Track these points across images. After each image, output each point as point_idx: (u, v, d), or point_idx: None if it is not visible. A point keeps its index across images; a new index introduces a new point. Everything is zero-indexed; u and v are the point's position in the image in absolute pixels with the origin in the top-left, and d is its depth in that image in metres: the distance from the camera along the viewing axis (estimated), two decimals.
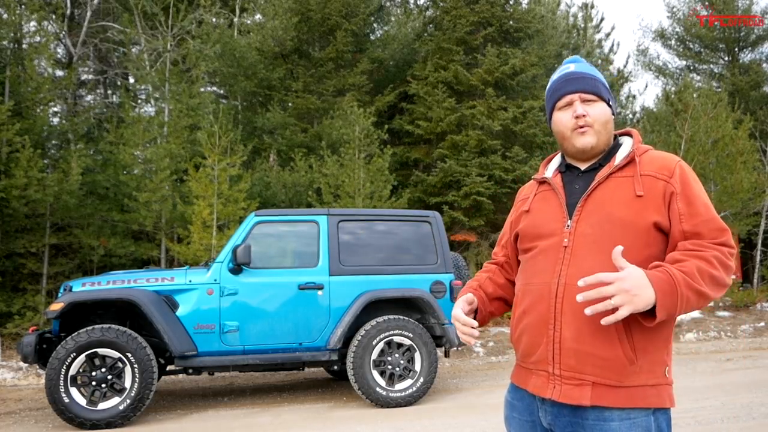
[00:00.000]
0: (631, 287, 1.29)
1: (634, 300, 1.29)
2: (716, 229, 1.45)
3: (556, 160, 1.72)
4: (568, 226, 1.52)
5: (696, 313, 11.26)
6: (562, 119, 1.60)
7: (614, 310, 1.31)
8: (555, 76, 1.66)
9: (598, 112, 1.57)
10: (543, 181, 1.68)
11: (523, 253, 1.67)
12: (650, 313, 1.34)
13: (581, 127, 1.56)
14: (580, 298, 1.32)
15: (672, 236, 1.46)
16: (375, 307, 5.82)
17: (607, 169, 1.54)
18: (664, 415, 1.46)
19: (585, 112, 1.56)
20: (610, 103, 1.61)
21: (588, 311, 1.32)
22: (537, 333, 1.52)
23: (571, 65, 1.65)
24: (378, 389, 5.53)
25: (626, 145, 1.61)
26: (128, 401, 4.97)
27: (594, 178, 1.55)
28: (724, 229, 1.46)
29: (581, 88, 1.58)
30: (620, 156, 1.56)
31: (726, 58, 19.64)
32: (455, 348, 6.63)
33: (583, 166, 1.61)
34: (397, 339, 5.66)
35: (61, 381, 4.84)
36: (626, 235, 1.45)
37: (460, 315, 1.66)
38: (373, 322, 5.63)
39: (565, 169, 1.65)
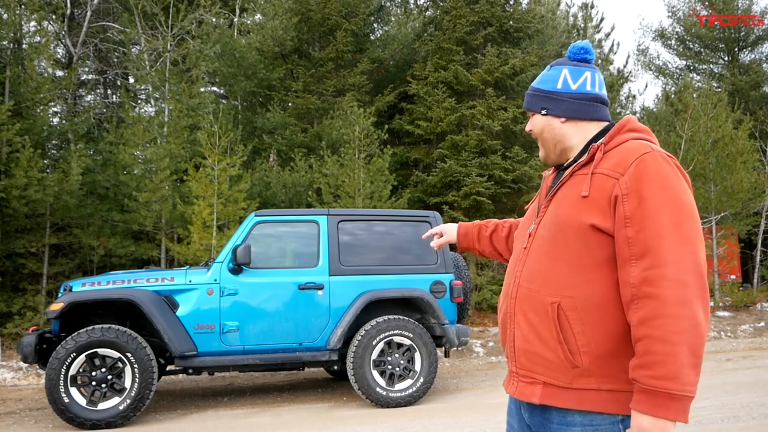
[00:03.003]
0: None
1: None
2: (658, 238, 1.28)
3: None
4: (532, 227, 1.55)
5: None
6: None
7: None
8: None
9: (533, 124, 1.63)
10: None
11: None
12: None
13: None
14: None
15: (617, 243, 1.34)
16: (375, 307, 5.82)
17: (574, 167, 1.48)
18: None
19: (529, 127, 1.64)
20: (544, 111, 1.57)
21: None
22: (503, 331, 1.58)
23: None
24: (378, 389, 5.53)
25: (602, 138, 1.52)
26: (128, 401, 4.97)
27: (561, 177, 1.53)
28: (685, 241, 1.28)
29: (524, 106, 1.67)
30: (588, 151, 1.49)
31: (726, 58, 19.65)
32: (455, 348, 6.63)
33: (565, 163, 1.63)
34: (397, 339, 5.66)
35: (61, 381, 4.84)
36: (567, 237, 1.41)
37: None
38: (373, 322, 5.63)
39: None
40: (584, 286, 1.38)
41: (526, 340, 1.46)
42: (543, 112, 1.58)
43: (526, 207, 1.75)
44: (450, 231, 2.08)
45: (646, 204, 1.30)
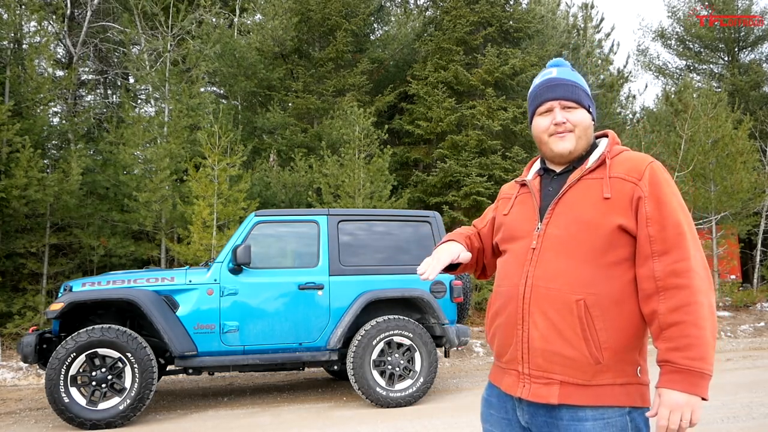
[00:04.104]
0: (682, 412, 1.36)
1: (694, 412, 1.36)
2: (680, 235, 1.44)
3: (538, 164, 1.76)
4: (538, 228, 1.56)
5: None
6: (541, 124, 1.63)
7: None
8: (537, 81, 1.68)
9: (579, 117, 1.59)
10: (524, 184, 1.73)
11: (500, 256, 1.73)
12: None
13: (560, 132, 1.59)
14: None
15: (639, 240, 1.46)
16: (375, 307, 5.82)
17: (579, 171, 1.56)
18: (642, 414, 1.47)
19: (564, 119, 1.58)
20: (590, 109, 1.62)
21: None
22: (507, 334, 1.56)
23: (553, 70, 1.66)
24: (378, 389, 5.53)
25: (601, 146, 1.62)
26: (128, 401, 4.96)
27: (566, 181, 1.57)
28: (695, 239, 1.46)
29: (561, 95, 1.60)
30: (593, 158, 1.58)
31: (726, 58, 19.65)
32: (455, 348, 6.63)
33: (558, 169, 1.64)
34: (397, 339, 5.66)
35: (61, 381, 4.84)
36: (592, 237, 1.47)
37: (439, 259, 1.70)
38: (373, 322, 5.63)
39: (543, 172, 1.69)
40: (606, 283, 1.44)
41: (545, 339, 1.46)
42: (590, 109, 1.63)
43: (504, 213, 1.73)
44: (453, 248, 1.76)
45: (663, 207, 1.45)
